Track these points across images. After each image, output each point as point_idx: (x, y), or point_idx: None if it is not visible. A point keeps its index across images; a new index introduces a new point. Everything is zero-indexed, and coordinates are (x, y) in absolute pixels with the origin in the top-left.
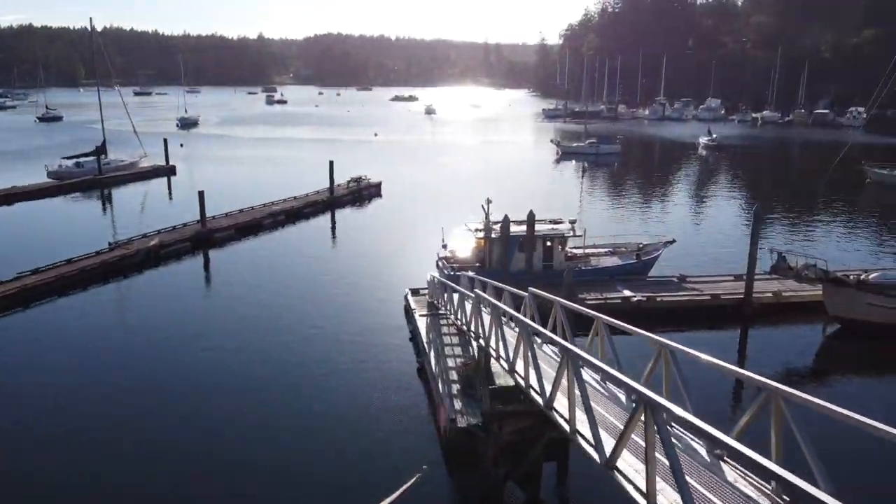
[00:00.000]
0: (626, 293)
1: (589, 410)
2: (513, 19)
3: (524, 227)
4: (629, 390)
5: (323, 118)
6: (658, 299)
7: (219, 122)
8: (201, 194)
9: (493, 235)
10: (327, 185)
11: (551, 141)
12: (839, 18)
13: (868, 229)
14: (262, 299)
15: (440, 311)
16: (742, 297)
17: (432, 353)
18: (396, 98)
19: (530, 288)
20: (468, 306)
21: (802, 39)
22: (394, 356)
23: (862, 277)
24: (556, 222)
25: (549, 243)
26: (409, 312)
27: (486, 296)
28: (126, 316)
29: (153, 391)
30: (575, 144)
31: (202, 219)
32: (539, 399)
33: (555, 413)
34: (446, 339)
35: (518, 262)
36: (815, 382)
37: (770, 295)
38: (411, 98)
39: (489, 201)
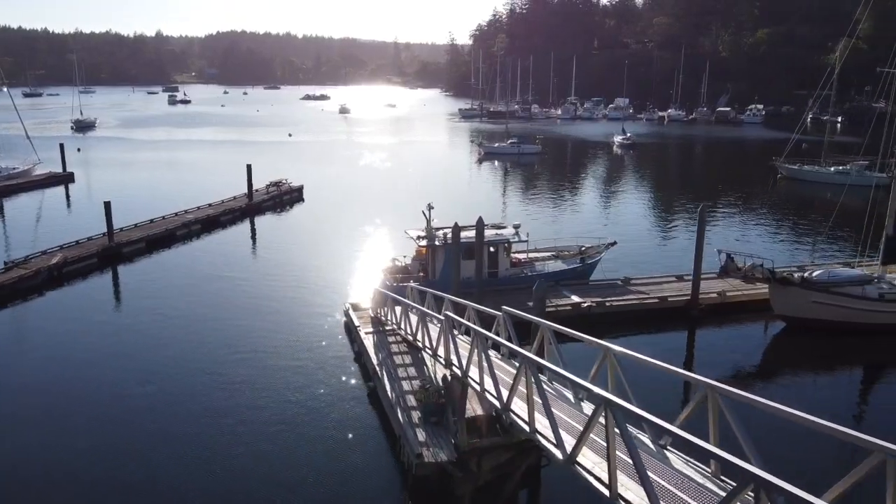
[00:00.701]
0: (575, 299)
1: (549, 414)
2: (421, 19)
3: (468, 233)
4: (590, 394)
5: (231, 118)
6: (607, 304)
7: (118, 124)
8: (107, 205)
9: (436, 243)
10: (245, 190)
11: (472, 142)
12: (735, 19)
13: (786, 224)
14: (179, 320)
15: (387, 328)
16: (688, 298)
17: (385, 376)
18: (307, 97)
19: (504, 307)
20: (432, 328)
21: (702, 40)
22: (339, 381)
23: (805, 276)
24: (498, 227)
25: (492, 249)
26: (351, 330)
27: (463, 320)
28: (26, 345)
29: (51, 428)
30: (497, 145)
31: (109, 232)
32: (496, 402)
33: (513, 415)
34: (398, 359)
35: (464, 270)
36: (762, 380)
37: (715, 295)
38: (323, 97)
39: (430, 207)
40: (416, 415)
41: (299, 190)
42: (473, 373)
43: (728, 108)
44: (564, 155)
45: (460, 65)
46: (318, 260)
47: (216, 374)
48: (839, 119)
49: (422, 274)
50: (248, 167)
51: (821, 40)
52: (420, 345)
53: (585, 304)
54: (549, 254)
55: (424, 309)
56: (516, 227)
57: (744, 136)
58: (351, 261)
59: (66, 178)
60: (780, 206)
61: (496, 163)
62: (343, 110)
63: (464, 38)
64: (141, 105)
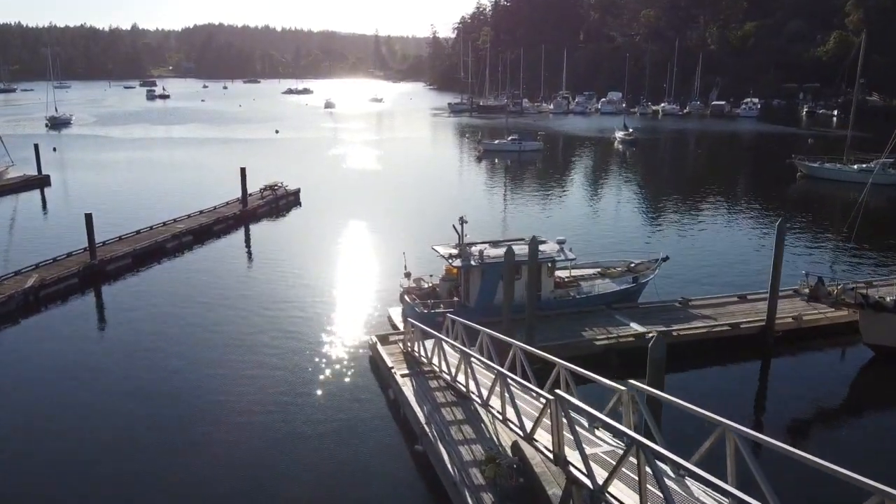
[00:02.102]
0: (635, 327)
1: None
2: (402, 11)
3: (496, 251)
4: (622, 434)
5: (213, 114)
6: (674, 333)
7: (96, 121)
8: (88, 217)
9: (472, 263)
10: (238, 195)
11: (467, 136)
12: (723, 12)
13: (820, 230)
14: (173, 351)
15: (425, 368)
16: (763, 323)
17: (437, 439)
18: (289, 91)
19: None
20: (480, 372)
21: (689, 33)
22: (376, 440)
23: None
24: (532, 240)
25: (535, 267)
26: (380, 369)
27: (522, 382)
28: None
29: (24, 473)
30: (497, 142)
31: (91, 247)
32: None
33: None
34: (447, 413)
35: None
36: (851, 416)
37: (791, 320)
38: (306, 91)
39: (463, 221)
40: (487, 499)
41: (296, 194)
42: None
43: (723, 102)
44: (565, 152)
45: (444, 58)
46: (326, 276)
47: (216, 444)
48: (835, 113)
49: (456, 299)
50: (243, 170)
51: (809, 33)
52: (471, 396)
53: (650, 335)
54: (593, 271)
55: (474, 355)
56: (560, 242)
57: (742, 130)
58: (364, 278)
59: (41, 182)
60: (806, 208)
61: (497, 161)
62: (328, 105)
63: (446, 31)
64: (118, 100)
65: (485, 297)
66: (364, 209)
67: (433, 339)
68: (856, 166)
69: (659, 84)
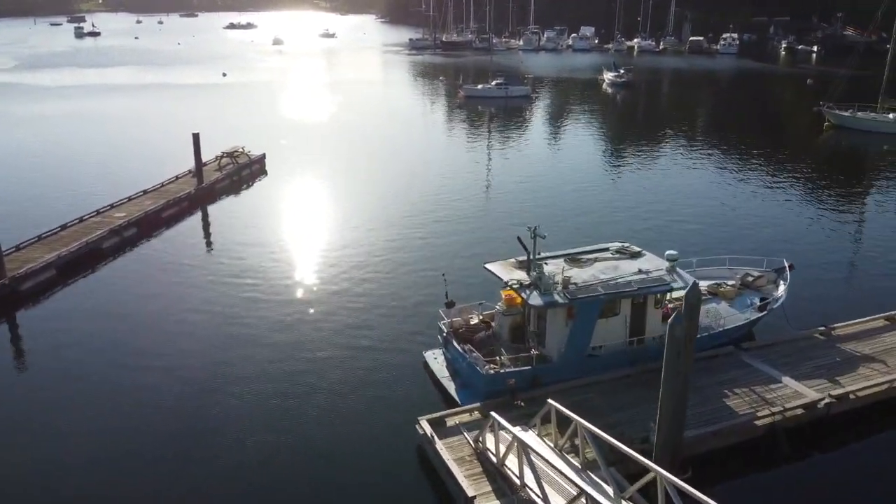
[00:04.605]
0: (795, 385)
1: None
2: None
3: (586, 271)
4: None
5: (150, 54)
6: (851, 396)
7: (17, 65)
8: None
9: (557, 298)
10: (190, 163)
11: (441, 79)
12: None
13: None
14: (110, 413)
15: (516, 488)
16: None
17: None
18: (231, 26)
19: None
20: None
21: None
22: None
23: None
24: (621, 252)
25: (638, 300)
26: (443, 478)
27: None
28: None
29: None
30: (480, 86)
31: None
32: None
33: None
34: None
35: (598, 335)
36: None
37: None
38: (249, 26)
39: (536, 234)
40: None
41: (260, 161)
42: None
43: (701, 38)
44: (554, 97)
45: None
46: (317, 286)
47: None
48: (815, 49)
49: (533, 351)
50: (195, 137)
51: None
52: None
53: (823, 402)
54: (703, 286)
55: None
56: (672, 259)
57: (724, 67)
58: (372, 289)
59: None
60: (846, 168)
61: (480, 108)
62: (277, 42)
63: None
64: (44, 40)
65: (576, 345)
66: (343, 177)
67: (515, 442)
68: (892, 115)
69: (632, 18)
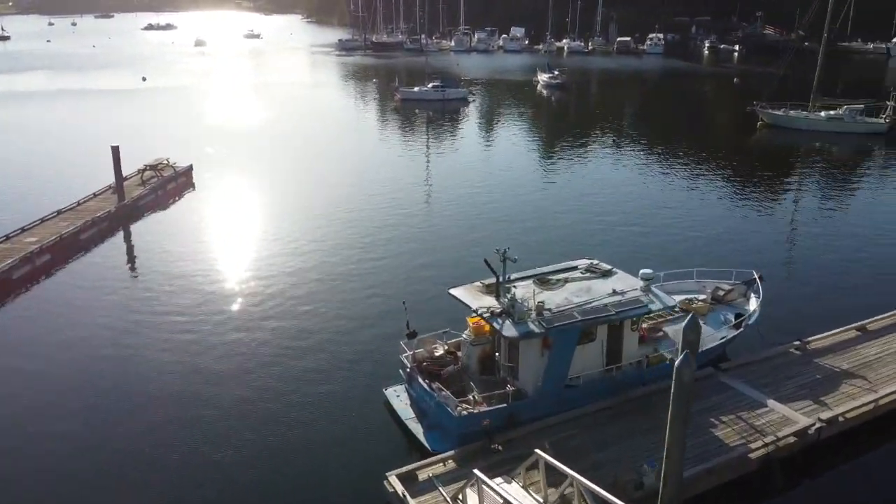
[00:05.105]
0: (780, 409)
1: None
2: None
3: (557, 294)
4: None
5: (63, 58)
6: (841, 418)
7: None
8: None
9: (532, 328)
10: (110, 179)
11: (374, 81)
12: None
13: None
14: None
15: None
16: None
17: None
18: (150, 27)
19: None
20: None
21: None
22: None
23: None
24: (592, 270)
25: (616, 324)
26: None
27: None
28: None
29: None
30: (416, 89)
31: None
32: None
33: None
34: None
35: (576, 363)
36: None
37: None
38: (169, 27)
39: (505, 256)
40: None
41: (187, 173)
42: None
43: (628, 38)
44: (490, 100)
45: None
46: (257, 311)
47: None
48: (736, 48)
49: (509, 387)
50: (115, 150)
51: None
52: None
53: (814, 427)
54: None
55: None
56: (647, 278)
57: (652, 66)
58: (318, 313)
59: None
60: (785, 167)
61: (418, 111)
62: (199, 43)
63: None
64: None
65: (554, 377)
66: (279, 189)
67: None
68: (823, 114)
69: (561, 19)
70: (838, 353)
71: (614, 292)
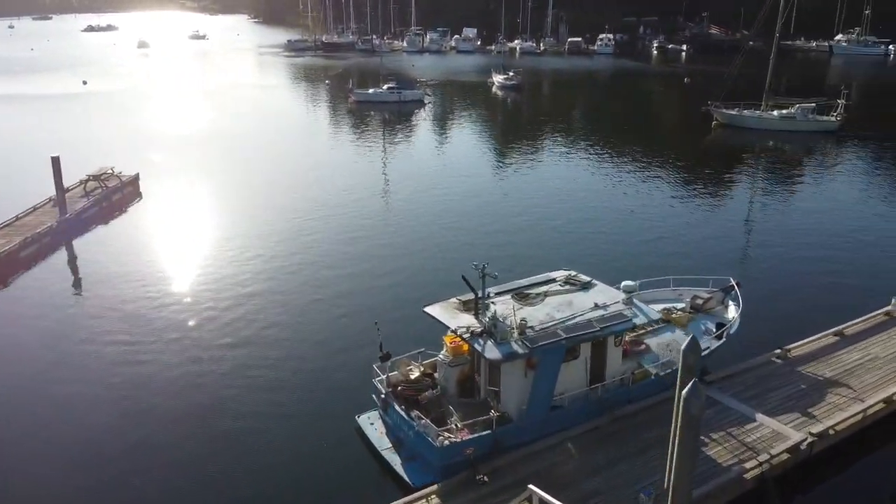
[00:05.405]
0: (770, 423)
1: None
2: None
3: (539, 309)
4: None
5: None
6: (831, 431)
7: None
8: None
9: (517, 349)
10: (50, 191)
11: (328, 82)
12: None
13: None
14: None
15: None
16: None
17: None
18: (90, 28)
19: None
20: None
21: None
22: None
23: None
24: (571, 282)
25: (600, 340)
26: None
27: None
28: None
29: None
30: (371, 91)
31: None
32: None
33: None
34: None
35: (561, 382)
36: None
37: None
38: (110, 28)
39: (485, 272)
40: None
41: (133, 182)
42: None
43: (579, 39)
44: (445, 101)
45: None
46: (214, 339)
47: None
48: (684, 48)
49: (493, 413)
50: (55, 161)
51: None
52: None
53: (806, 442)
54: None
55: None
56: (629, 290)
57: (603, 66)
58: (281, 342)
59: None
60: (742, 167)
61: (373, 113)
62: (142, 45)
63: None
64: None
65: (539, 400)
66: (231, 197)
67: None
68: (776, 112)
69: (512, 20)
70: (820, 360)
71: (597, 306)
